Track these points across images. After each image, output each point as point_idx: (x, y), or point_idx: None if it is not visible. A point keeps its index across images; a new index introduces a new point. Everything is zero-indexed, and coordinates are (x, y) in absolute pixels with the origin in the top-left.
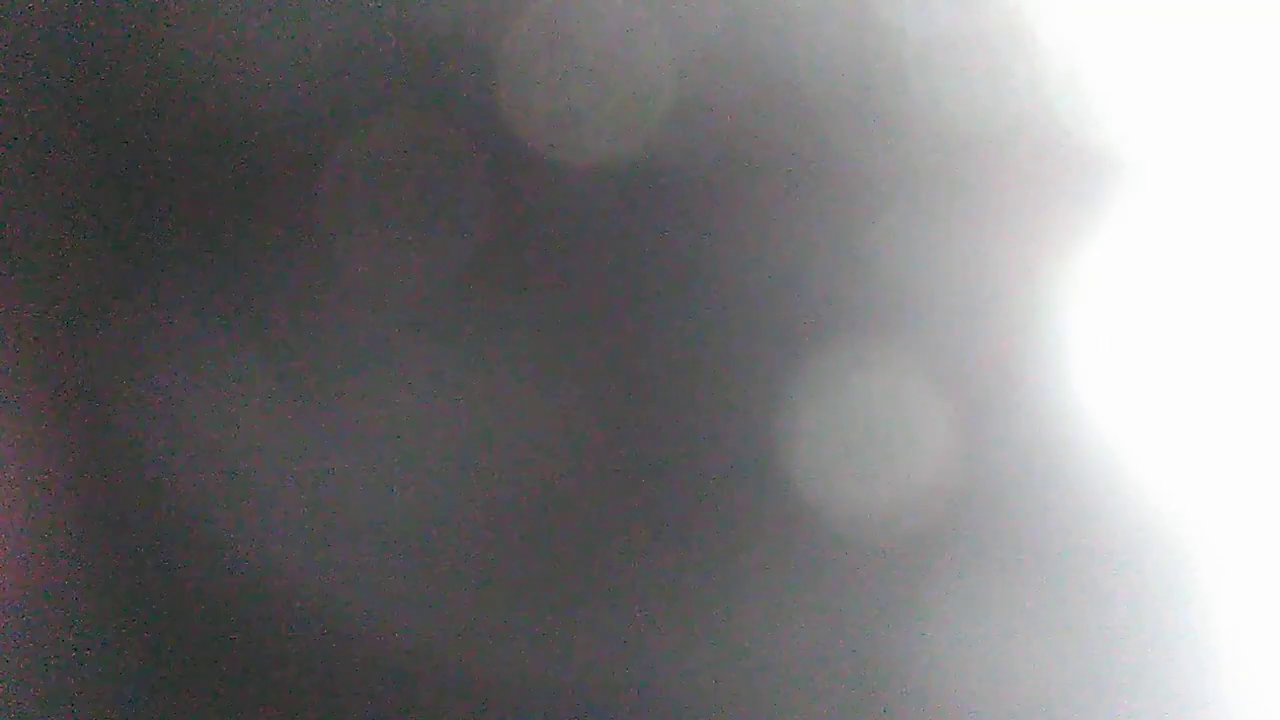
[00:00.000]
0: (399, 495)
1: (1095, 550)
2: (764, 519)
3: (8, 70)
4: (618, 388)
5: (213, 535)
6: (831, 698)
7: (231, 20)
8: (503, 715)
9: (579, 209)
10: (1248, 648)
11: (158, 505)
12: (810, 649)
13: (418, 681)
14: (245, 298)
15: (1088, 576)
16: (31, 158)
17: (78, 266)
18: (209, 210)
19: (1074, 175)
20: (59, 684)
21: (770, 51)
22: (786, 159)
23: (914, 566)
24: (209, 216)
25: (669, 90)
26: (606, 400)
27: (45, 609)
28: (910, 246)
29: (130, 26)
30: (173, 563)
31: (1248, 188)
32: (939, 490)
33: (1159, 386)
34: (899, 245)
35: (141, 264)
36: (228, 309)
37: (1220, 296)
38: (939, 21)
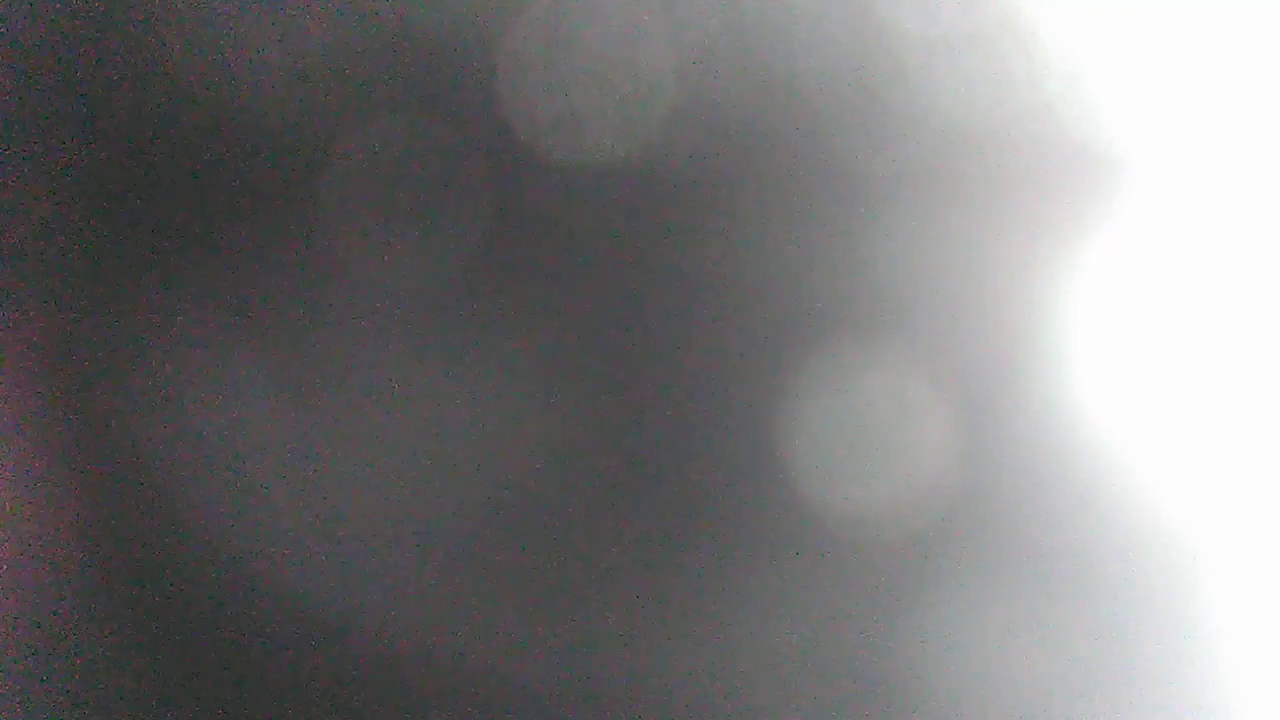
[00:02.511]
0: (399, 495)
1: (1095, 549)
2: (764, 519)
3: (8, 70)
4: (617, 387)
5: (212, 535)
6: (830, 697)
7: (231, 20)
8: (501, 715)
9: (579, 209)
10: (1249, 647)
11: (158, 505)
12: (809, 648)
13: (416, 681)
14: (245, 298)
15: (1088, 576)
16: (31, 158)
17: (78, 266)
18: (209, 210)
19: (1074, 175)
20: (59, 684)
21: (770, 52)
22: (786, 159)
23: (914, 566)
24: (209, 216)
25: (669, 90)
26: (606, 400)
27: (45, 609)
28: (910, 246)
29: (130, 26)
30: (172, 563)
31: (1248, 188)
32: (939, 490)
33: (1159, 386)
34: (899, 245)
35: (141, 264)
36: (228, 309)
37: (1220, 296)
38: (939, 21)
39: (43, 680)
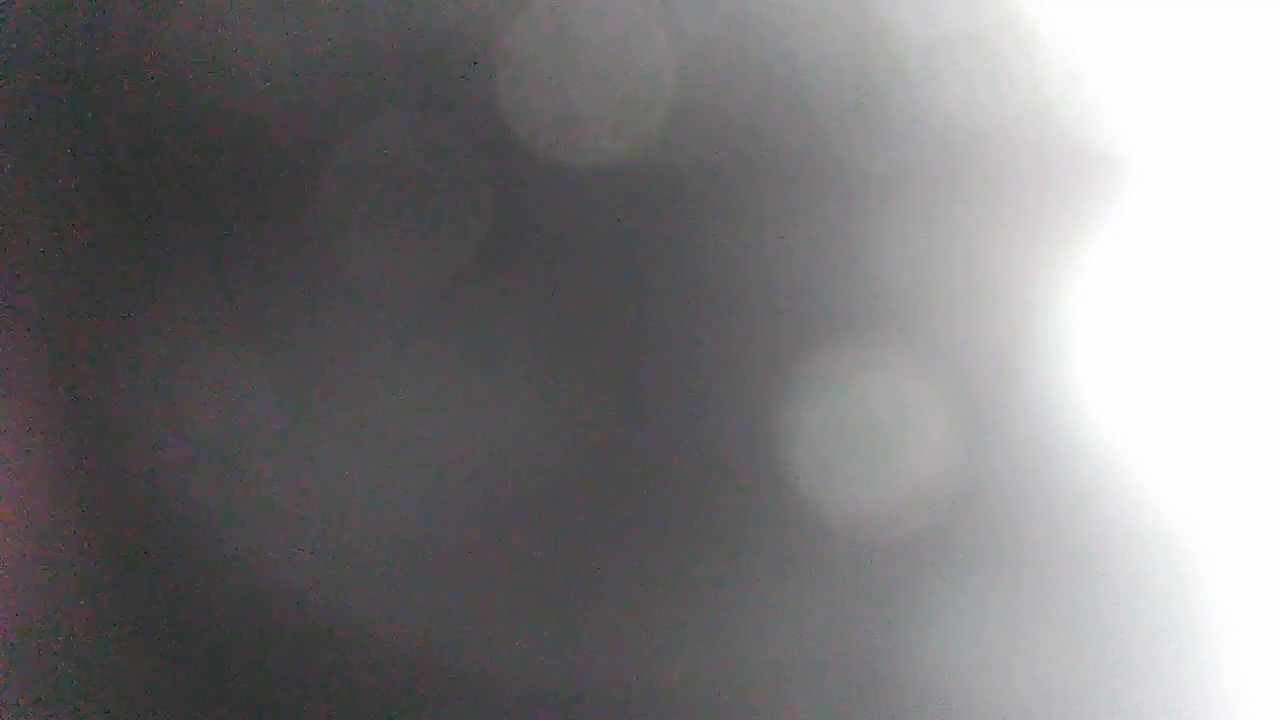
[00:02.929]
0: (399, 495)
1: (1095, 550)
2: (764, 519)
3: (8, 70)
4: (617, 387)
5: (212, 535)
6: (831, 697)
7: (232, 20)
8: (501, 715)
9: (579, 209)
10: (1248, 647)
11: (158, 506)
12: (809, 649)
13: (417, 681)
14: (245, 298)
15: (1088, 576)
16: (32, 158)
17: (78, 266)
18: (209, 210)
19: (1074, 175)
20: (59, 684)
21: (770, 51)
22: (786, 159)
23: (914, 566)
24: (209, 217)
25: (669, 90)
26: (606, 400)
27: (45, 609)
28: (910, 246)
29: (130, 26)
30: (172, 563)
31: (1248, 188)
32: (939, 490)
33: (1159, 386)
34: (899, 245)
35: (142, 264)
36: (228, 309)
37: (1220, 296)
38: (939, 21)
39: (43, 680)
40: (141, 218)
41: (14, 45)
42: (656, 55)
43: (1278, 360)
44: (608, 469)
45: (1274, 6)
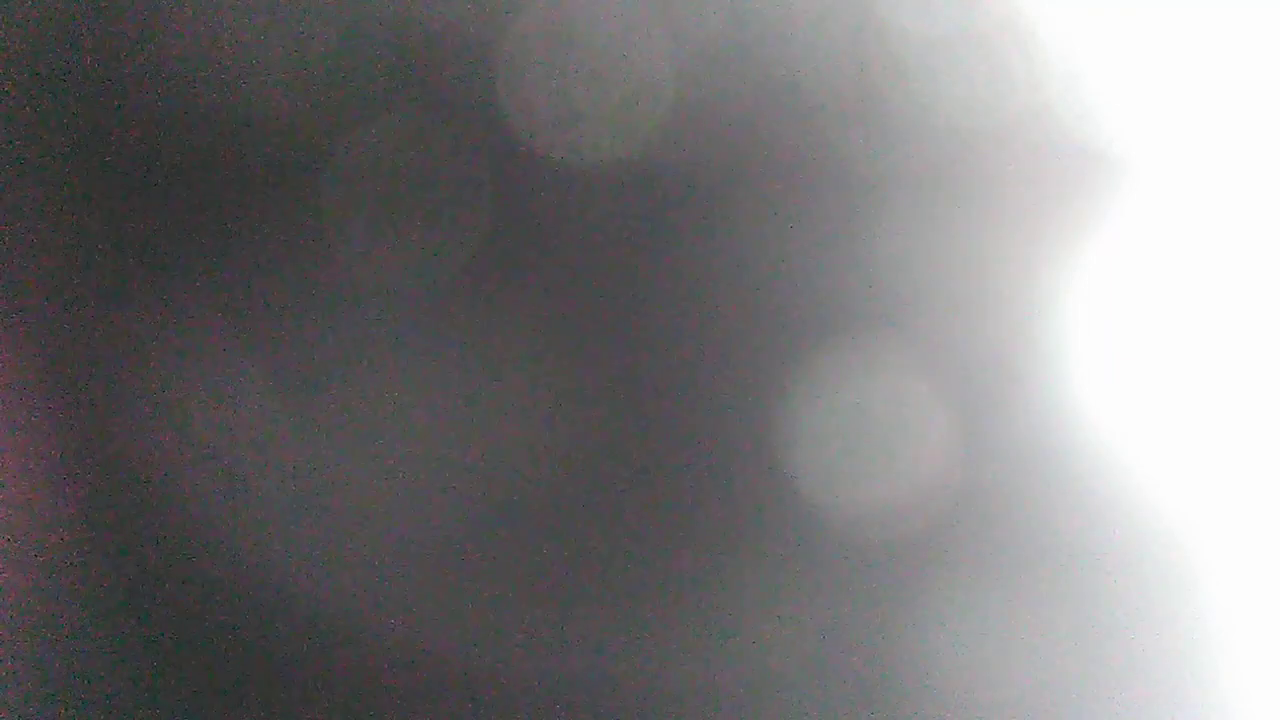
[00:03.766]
0: (398, 495)
1: (1095, 550)
2: (764, 519)
3: (8, 70)
4: (618, 387)
5: (212, 535)
6: (831, 698)
7: (231, 20)
8: (501, 715)
9: (579, 209)
10: (1248, 648)
11: (158, 505)
12: (810, 649)
13: (417, 681)
14: (245, 297)
15: (1088, 577)
16: (32, 157)
17: (78, 266)
18: (209, 209)
19: (1074, 175)
20: (59, 684)
21: (770, 51)
22: (786, 159)
23: (914, 566)
24: (209, 216)
25: (669, 90)
26: (606, 400)
27: (45, 609)
28: (910, 246)
29: (130, 26)
30: (172, 563)
31: (1248, 188)
32: (939, 490)
33: (1159, 386)
34: (899, 245)
35: (142, 264)
36: (227, 308)
37: (1220, 296)
38: (939, 21)
39: (43, 680)
40: (142, 217)
41: (14, 45)
42: (656, 55)
43: (1278, 360)
44: (607, 468)
45: (1274, 6)
